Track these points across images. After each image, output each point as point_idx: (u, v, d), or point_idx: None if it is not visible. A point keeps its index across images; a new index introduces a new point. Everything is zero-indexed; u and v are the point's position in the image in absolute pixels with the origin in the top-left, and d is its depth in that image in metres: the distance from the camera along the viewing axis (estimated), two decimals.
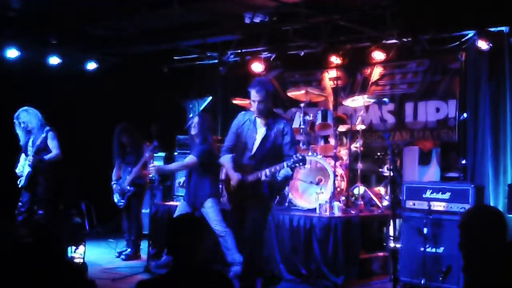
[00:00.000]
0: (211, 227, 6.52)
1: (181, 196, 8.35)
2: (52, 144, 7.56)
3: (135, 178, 7.61)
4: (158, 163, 8.77)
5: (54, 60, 9.31)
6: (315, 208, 6.91)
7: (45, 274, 2.88)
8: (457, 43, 7.60)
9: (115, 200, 7.75)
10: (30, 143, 7.56)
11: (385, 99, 6.96)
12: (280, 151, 5.40)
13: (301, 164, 5.11)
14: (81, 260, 3.32)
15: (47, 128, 7.56)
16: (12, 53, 8.78)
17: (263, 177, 5.23)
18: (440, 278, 5.80)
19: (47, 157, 7.52)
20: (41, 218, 7.43)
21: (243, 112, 5.76)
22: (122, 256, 7.70)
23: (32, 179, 7.55)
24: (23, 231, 3.21)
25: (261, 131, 5.46)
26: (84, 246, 3.44)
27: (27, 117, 7.57)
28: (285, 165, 5.16)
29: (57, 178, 7.70)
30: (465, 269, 2.98)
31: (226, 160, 5.58)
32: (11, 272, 2.86)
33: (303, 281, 6.51)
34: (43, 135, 7.48)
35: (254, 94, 5.36)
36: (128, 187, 7.62)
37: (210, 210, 6.63)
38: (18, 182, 7.63)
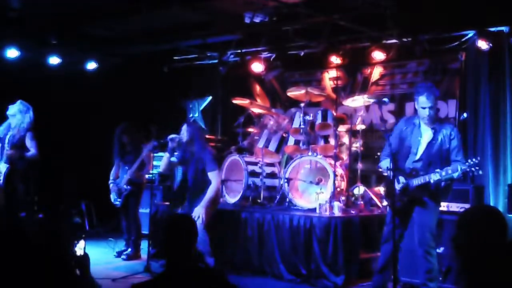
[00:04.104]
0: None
1: None
2: (31, 143, 7.41)
3: (133, 177, 7.63)
4: (158, 162, 8.80)
5: (54, 60, 9.31)
6: (315, 208, 6.92)
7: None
8: (457, 43, 7.60)
9: (112, 199, 7.77)
10: (7, 139, 7.38)
11: (385, 99, 6.93)
12: (447, 155, 5.34)
13: (477, 168, 4.98)
14: (82, 253, 3.39)
15: (28, 127, 7.43)
16: (12, 53, 8.78)
17: (433, 180, 5.16)
18: (440, 278, 5.81)
19: (28, 154, 7.37)
20: (23, 221, 7.21)
21: (405, 118, 5.83)
22: (123, 256, 7.71)
23: (8, 178, 7.30)
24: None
25: (426, 135, 5.41)
26: (84, 240, 3.53)
27: (29, 112, 7.46)
28: (459, 168, 5.04)
29: (35, 179, 7.51)
30: (464, 269, 2.97)
31: (387, 165, 5.43)
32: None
33: (303, 281, 6.52)
34: (22, 133, 7.35)
35: (424, 100, 5.30)
36: (125, 186, 7.64)
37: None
38: None
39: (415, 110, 5.26)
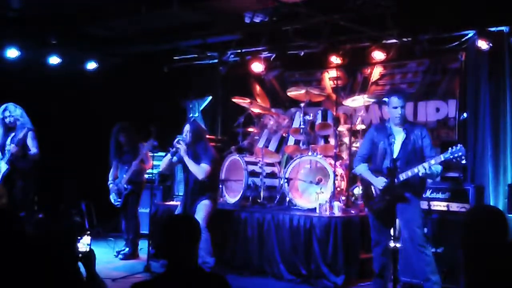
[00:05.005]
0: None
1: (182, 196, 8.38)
2: (32, 143, 7.37)
3: (133, 176, 7.63)
4: (158, 162, 8.81)
5: (54, 60, 9.30)
6: (315, 208, 6.92)
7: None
8: (457, 43, 7.60)
9: (112, 200, 7.78)
10: (8, 141, 7.33)
11: (385, 99, 6.95)
12: (421, 153, 5.48)
13: (460, 154, 5.10)
14: (87, 249, 3.35)
15: (29, 127, 7.43)
16: (12, 53, 8.77)
17: (422, 173, 5.25)
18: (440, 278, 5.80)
19: (30, 153, 7.33)
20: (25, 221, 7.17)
21: (374, 125, 6.09)
22: (120, 256, 7.71)
23: (8, 178, 7.26)
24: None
25: (400, 136, 5.55)
26: (88, 235, 3.49)
27: (17, 111, 7.41)
28: (442, 157, 5.19)
29: (35, 178, 7.49)
30: (465, 269, 2.98)
31: (363, 169, 5.69)
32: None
33: (303, 281, 6.53)
34: (23, 133, 7.30)
35: (396, 100, 5.53)
36: (126, 186, 7.64)
37: (202, 207, 6.66)
38: None
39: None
